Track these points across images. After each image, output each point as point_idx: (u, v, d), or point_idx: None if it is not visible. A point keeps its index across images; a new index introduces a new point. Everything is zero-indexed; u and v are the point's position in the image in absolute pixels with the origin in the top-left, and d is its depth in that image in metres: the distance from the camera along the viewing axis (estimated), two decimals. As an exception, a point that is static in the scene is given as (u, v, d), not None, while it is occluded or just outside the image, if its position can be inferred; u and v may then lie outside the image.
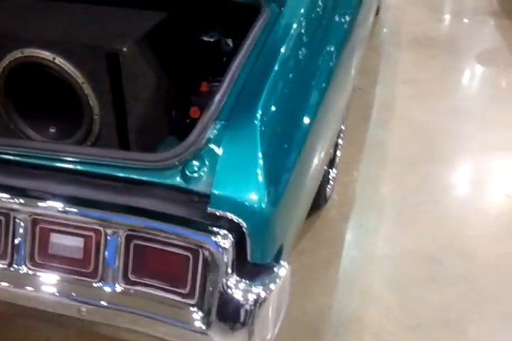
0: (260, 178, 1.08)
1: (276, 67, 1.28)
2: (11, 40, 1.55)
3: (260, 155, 1.10)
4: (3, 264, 1.20)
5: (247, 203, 1.05)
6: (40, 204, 1.16)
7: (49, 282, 1.17)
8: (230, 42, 1.76)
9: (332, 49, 1.65)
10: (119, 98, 1.58)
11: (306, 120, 1.31)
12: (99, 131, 1.62)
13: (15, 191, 1.20)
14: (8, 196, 1.19)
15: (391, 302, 1.84)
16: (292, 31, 1.42)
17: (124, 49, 1.50)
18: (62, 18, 1.66)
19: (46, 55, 1.52)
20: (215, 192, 1.07)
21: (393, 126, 2.73)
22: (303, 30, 1.46)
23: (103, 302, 1.14)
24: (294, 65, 1.34)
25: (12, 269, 1.19)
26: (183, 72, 1.82)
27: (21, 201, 1.18)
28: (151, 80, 1.65)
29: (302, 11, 1.51)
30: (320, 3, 1.66)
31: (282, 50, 1.35)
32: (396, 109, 2.89)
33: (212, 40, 1.73)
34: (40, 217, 1.17)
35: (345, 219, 2.17)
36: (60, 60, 1.52)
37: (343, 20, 1.84)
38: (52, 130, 1.67)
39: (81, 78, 1.53)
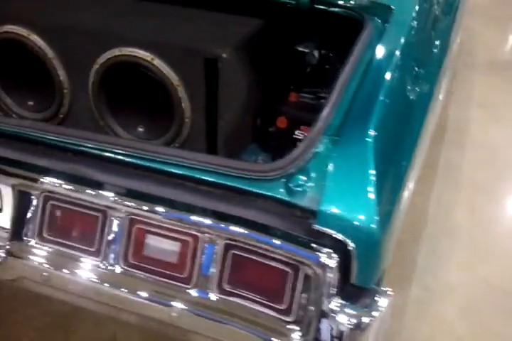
0: (372, 197, 1.05)
1: (385, 84, 1.24)
2: (111, 38, 1.56)
3: (373, 173, 1.07)
4: (96, 261, 1.21)
5: (357, 222, 1.02)
6: (139, 205, 1.17)
7: (141, 283, 1.16)
8: (324, 53, 1.76)
9: (432, 68, 1.63)
10: (212, 103, 1.57)
11: (412, 139, 1.28)
12: (188, 134, 1.62)
13: (115, 189, 1.19)
14: (108, 193, 1.19)
15: (463, 332, 1.78)
16: (398, 48, 1.38)
17: (224, 55, 1.49)
18: (160, 20, 1.66)
19: (145, 55, 1.52)
20: (324, 209, 1.04)
21: (468, 150, 2.65)
22: (407, 47, 1.42)
23: (194, 310, 1.12)
24: (400, 84, 1.31)
25: (104, 267, 1.20)
26: (272, 81, 1.81)
27: (121, 200, 1.19)
28: (243, 87, 1.64)
29: (406, 27, 1.49)
30: (422, 21, 1.64)
31: (389, 67, 1.31)
32: (471, 132, 2.81)
33: (307, 50, 1.73)
34: (138, 218, 1.16)
35: (417, 242, 2.12)
36: (158, 61, 1.53)
37: (440, 39, 1.81)
38: (140, 129, 1.68)
39: (176, 81, 1.54)
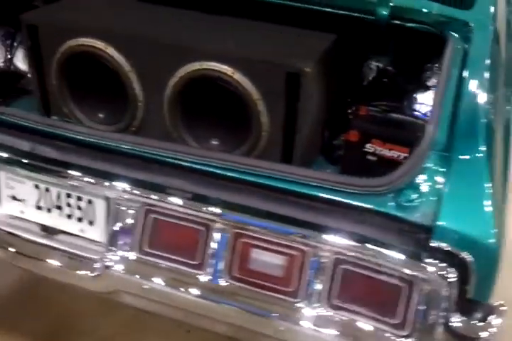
0: (489, 211, 1.06)
1: (484, 99, 1.27)
2: (190, 52, 1.57)
3: (488, 186, 1.09)
4: (201, 275, 1.21)
5: (477, 237, 1.03)
6: (243, 218, 1.18)
7: (246, 297, 1.18)
8: (396, 68, 1.79)
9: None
10: (290, 116, 1.59)
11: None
12: (264, 147, 1.63)
13: (216, 203, 1.21)
14: (210, 207, 1.21)
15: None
16: (485, 62, 1.41)
17: (307, 69, 1.51)
18: (235, 34, 1.68)
19: (226, 69, 1.55)
20: (441, 224, 1.05)
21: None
22: (494, 62, 1.45)
23: (303, 324, 1.14)
24: (495, 99, 1.33)
25: (207, 280, 1.21)
26: (343, 94, 1.83)
27: (221, 213, 1.20)
28: (319, 100, 1.66)
29: (488, 43, 1.51)
30: (502, 36, 1.66)
31: (482, 82, 1.33)
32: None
33: (380, 65, 1.75)
34: (243, 232, 1.19)
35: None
36: (238, 76, 1.55)
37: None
38: (214, 142, 1.68)
39: (256, 95, 1.55)
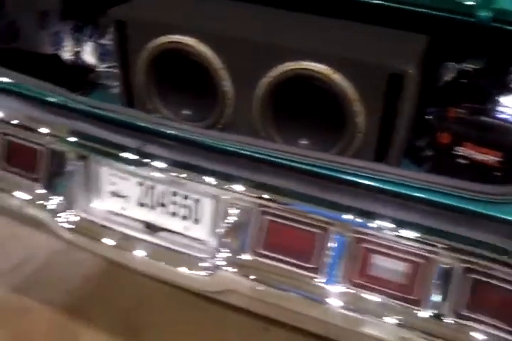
0: None
1: None
2: (286, 51, 1.56)
3: None
4: (316, 278, 1.22)
5: None
6: (364, 223, 1.18)
7: (365, 303, 1.18)
8: (479, 70, 1.76)
9: None
10: (388, 118, 1.58)
11: None
12: (357, 148, 1.62)
13: (335, 207, 1.22)
14: (328, 210, 1.21)
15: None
16: None
17: (410, 71, 1.49)
18: (328, 33, 1.65)
19: (324, 69, 1.53)
20: None
21: None
22: None
23: (430, 332, 1.13)
24: None
25: (323, 285, 1.22)
26: (433, 96, 1.82)
27: (343, 218, 1.21)
28: (415, 102, 1.63)
29: None
30: None
31: None
32: None
33: (472, 67, 1.73)
34: (364, 237, 1.19)
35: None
36: (337, 76, 1.54)
37: None
38: (304, 142, 1.65)
39: (354, 95, 1.53)
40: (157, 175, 1.36)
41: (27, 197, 1.45)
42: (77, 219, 1.43)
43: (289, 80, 1.62)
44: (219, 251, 1.31)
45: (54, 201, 1.44)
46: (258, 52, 1.63)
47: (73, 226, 1.43)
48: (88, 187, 1.45)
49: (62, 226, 1.43)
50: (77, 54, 2.39)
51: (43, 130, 1.43)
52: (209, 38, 1.65)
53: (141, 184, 1.41)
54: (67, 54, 2.35)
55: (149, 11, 1.77)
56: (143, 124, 1.38)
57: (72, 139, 1.41)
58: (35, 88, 1.48)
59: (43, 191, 1.44)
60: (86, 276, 2.17)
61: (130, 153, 1.37)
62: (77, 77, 2.32)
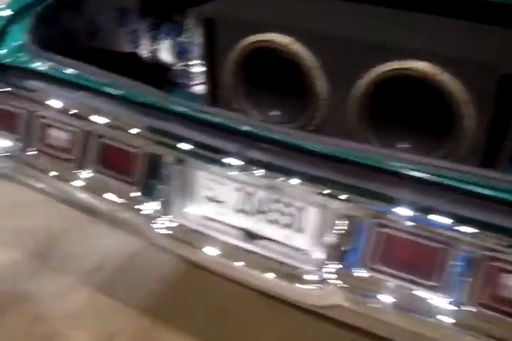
0: None
1: None
2: (390, 50, 1.47)
3: None
4: (438, 297, 1.13)
5: None
6: (499, 240, 1.07)
7: (493, 326, 1.09)
8: None
9: None
10: (500, 121, 1.49)
11: None
12: (464, 153, 1.51)
13: (464, 221, 1.11)
14: (456, 227, 1.12)
15: None
16: None
17: None
18: (430, 31, 1.56)
19: (432, 69, 1.44)
20: None
21: None
22: None
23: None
24: None
25: (447, 304, 1.14)
26: None
27: (470, 232, 1.12)
28: None
29: None
30: None
31: None
32: None
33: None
34: (493, 254, 1.09)
35: None
36: (447, 76, 1.45)
37: None
38: (404, 145, 1.58)
39: (465, 97, 1.43)
40: (258, 180, 1.30)
41: (121, 200, 1.43)
42: (172, 224, 1.39)
43: (390, 80, 1.53)
44: (326, 264, 1.23)
45: (149, 206, 1.40)
46: (357, 50, 1.55)
47: (168, 232, 1.38)
48: (184, 192, 1.41)
49: (156, 232, 1.40)
50: (153, 52, 2.40)
51: (139, 132, 1.39)
52: (305, 36, 1.58)
53: (239, 189, 1.35)
54: (144, 52, 2.35)
55: (239, 9, 1.70)
56: (244, 128, 1.32)
57: (169, 142, 1.36)
58: (131, 89, 1.45)
59: (138, 195, 1.41)
60: (167, 278, 2.14)
61: (230, 157, 1.31)
62: (155, 76, 2.32)
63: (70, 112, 1.48)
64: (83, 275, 2.12)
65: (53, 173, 1.53)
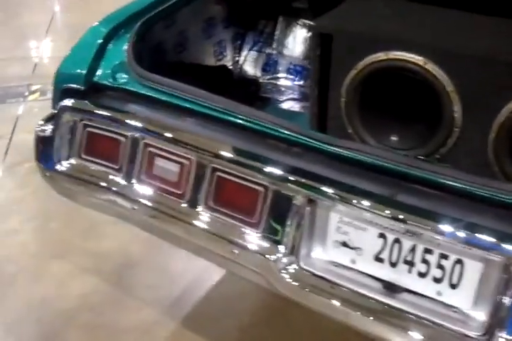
0: None
1: None
2: None
3: None
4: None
5: None
6: None
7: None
8: None
9: None
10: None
11: None
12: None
13: None
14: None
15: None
16: None
17: None
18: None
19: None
20: None
21: None
22: None
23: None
24: None
25: None
26: None
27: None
28: None
29: None
30: None
31: None
32: None
33: None
34: None
35: None
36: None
37: None
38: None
39: None
40: (408, 228, 1.13)
41: (245, 244, 1.26)
42: (299, 270, 1.24)
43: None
44: (493, 330, 1.07)
45: (272, 249, 1.23)
46: (500, 72, 1.36)
47: (294, 279, 1.23)
48: (312, 236, 1.24)
49: (282, 278, 1.25)
50: (237, 64, 2.27)
51: (263, 167, 1.22)
52: (439, 55, 1.40)
53: (383, 236, 1.20)
54: (228, 64, 2.22)
55: (361, 23, 1.53)
56: (393, 166, 1.16)
57: (300, 180, 1.20)
58: (254, 118, 1.28)
59: (260, 237, 1.24)
60: (255, 309, 2.01)
61: (374, 200, 1.15)
62: (241, 90, 2.18)
63: (182, 141, 1.32)
64: (167, 306, 1.98)
65: (157, 208, 1.40)
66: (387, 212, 1.14)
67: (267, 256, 1.25)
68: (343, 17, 1.58)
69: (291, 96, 2.15)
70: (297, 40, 2.14)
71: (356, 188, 1.17)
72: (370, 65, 1.46)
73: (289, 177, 1.21)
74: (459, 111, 1.40)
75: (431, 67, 1.39)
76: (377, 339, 1.25)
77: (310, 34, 1.66)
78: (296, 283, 1.24)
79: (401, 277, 1.18)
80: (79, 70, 1.46)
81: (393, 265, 1.19)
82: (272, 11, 2.13)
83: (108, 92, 1.47)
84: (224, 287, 2.07)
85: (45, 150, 1.51)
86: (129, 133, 1.40)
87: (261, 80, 2.19)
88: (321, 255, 1.25)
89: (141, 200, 1.40)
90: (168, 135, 1.34)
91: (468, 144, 1.45)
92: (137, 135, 1.38)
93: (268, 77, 2.21)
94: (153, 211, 1.39)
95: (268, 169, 1.24)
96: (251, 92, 2.14)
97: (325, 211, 1.22)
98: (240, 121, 1.29)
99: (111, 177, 1.44)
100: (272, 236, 1.25)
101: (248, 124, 1.28)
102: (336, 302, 1.23)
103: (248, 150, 1.26)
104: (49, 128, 1.49)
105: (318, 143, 1.22)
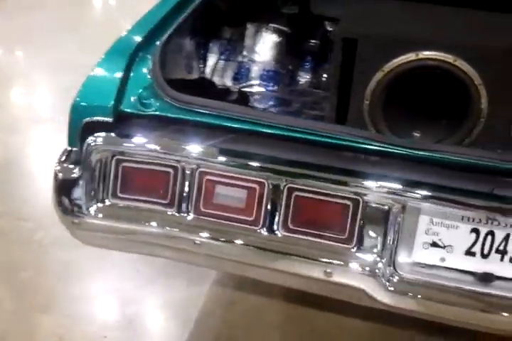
0: None
1: None
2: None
3: None
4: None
5: None
6: None
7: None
8: None
9: None
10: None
11: None
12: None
13: None
14: None
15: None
16: None
17: None
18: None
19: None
20: None
21: None
22: None
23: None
24: None
25: None
26: None
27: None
28: None
29: None
30: None
31: None
32: None
33: None
34: None
35: None
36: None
37: None
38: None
39: None
40: (503, 220, 1.17)
41: (339, 262, 1.22)
42: (401, 278, 1.21)
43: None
44: None
45: (375, 262, 1.21)
46: None
47: (400, 288, 1.21)
48: (402, 241, 1.24)
49: (388, 290, 1.21)
50: (203, 75, 2.15)
51: (346, 180, 1.19)
52: (466, 52, 1.46)
53: (475, 230, 1.21)
54: (195, 76, 2.10)
55: (386, 26, 1.54)
56: (487, 163, 1.17)
57: (392, 188, 1.18)
58: (324, 130, 1.23)
59: (360, 252, 1.21)
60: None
61: (470, 196, 1.16)
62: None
63: (251, 165, 1.23)
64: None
65: (226, 238, 1.29)
66: (483, 206, 1.18)
67: (366, 269, 1.23)
68: (366, 21, 1.58)
69: (270, 103, 2.13)
70: (267, 46, 2.13)
71: (451, 188, 1.19)
72: (399, 66, 1.49)
73: (381, 186, 1.19)
74: (486, 102, 1.49)
75: (460, 63, 1.46)
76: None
77: (332, 39, 1.61)
78: (405, 292, 1.23)
79: (493, 266, 1.23)
80: (105, 100, 1.30)
81: (485, 256, 1.23)
82: (238, 17, 2.09)
83: (139, 121, 1.33)
84: (241, 306, 1.96)
85: (70, 194, 1.34)
86: (178, 164, 1.28)
87: (232, 90, 2.17)
88: (408, 258, 1.24)
89: (204, 233, 1.30)
90: (234, 161, 1.25)
91: (492, 133, 1.54)
92: (190, 164, 1.27)
93: (240, 85, 2.17)
94: (222, 242, 1.29)
95: (355, 181, 1.21)
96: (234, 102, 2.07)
97: (414, 215, 1.22)
98: (313, 137, 1.24)
99: (160, 213, 1.31)
100: (368, 248, 1.23)
101: (321, 139, 1.24)
102: (447, 301, 1.23)
103: (330, 165, 1.21)
104: (74, 168, 1.33)
105: (406, 149, 1.20)
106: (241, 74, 2.11)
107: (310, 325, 1.91)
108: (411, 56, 1.47)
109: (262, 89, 2.14)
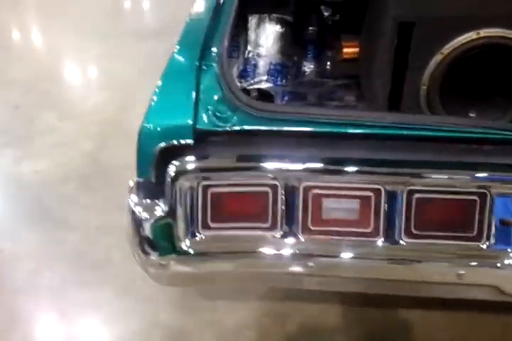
0: None
1: None
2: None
3: None
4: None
5: None
6: None
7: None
8: None
9: None
10: None
11: None
12: None
13: None
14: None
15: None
16: None
17: None
18: None
19: None
20: None
21: None
22: None
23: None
24: None
25: None
26: None
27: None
28: None
29: None
30: None
31: None
32: None
33: None
34: None
35: None
36: None
37: None
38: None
39: None
40: None
41: (472, 260, 1.12)
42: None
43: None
44: None
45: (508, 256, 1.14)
46: None
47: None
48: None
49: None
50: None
51: (473, 175, 1.09)
52: None
53: None
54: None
55: (443, 5, 1.42)
56: None
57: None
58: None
59: (491, 248, 1.11)
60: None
61: None
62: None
63: (367, 171, 1.11)
64: None
65: (342, 256, 1.16)
66: None
67: (498, 265, 1.15)
68: (421, 2, 1.46)
69: (285, 98, 1.99)
70: (270, 38, 1.99)
71: None
72: (459, 47, 1.41)
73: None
74: None
75: None
76: None
77: (387, 25, 1.45)
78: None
79: None
80: (181, 121, 1.11)
81: None
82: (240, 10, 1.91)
83: (219, 138, 1.16)
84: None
85: (155, 234, 1.16)
86: (276, 181, 1.15)
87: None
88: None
89: (317, 253, 1.17)
90: (344, 169, 1.12)
91: None
92: (293, 181, 1.12)
93: (248, 83, 2.01)
94: (338, 259, 1.16)
95: (480, 174, 1.12)
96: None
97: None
98: (428, 133, 1.14)
99: (262, 239, 1.16)
100: (499, 243, 1.16)
101: (437, 133, 1.14)
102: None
103: (449, 161, 1.11)
104: (156, 204, 1.14)
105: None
106: (247, 72, 2.01)
107: (375, 327, 1.82)
108: (471, 35, 1.40)
109: (271, 85, 2.06)
